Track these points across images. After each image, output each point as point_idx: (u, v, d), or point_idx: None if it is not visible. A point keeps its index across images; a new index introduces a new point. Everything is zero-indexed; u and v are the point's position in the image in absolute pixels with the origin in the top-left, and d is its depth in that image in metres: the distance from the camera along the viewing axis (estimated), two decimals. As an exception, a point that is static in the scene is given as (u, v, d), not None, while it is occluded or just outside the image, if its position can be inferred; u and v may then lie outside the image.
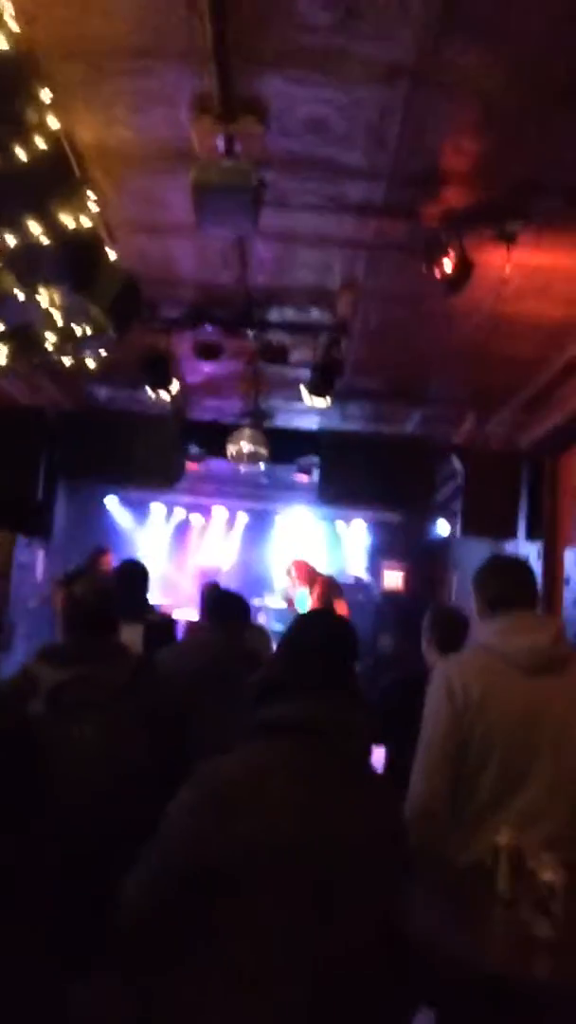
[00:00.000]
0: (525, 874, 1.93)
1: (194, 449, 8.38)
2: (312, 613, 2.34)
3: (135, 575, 4.82)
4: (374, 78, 3.48)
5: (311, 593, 8.09)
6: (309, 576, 8.06)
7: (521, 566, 2.89)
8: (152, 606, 5.09)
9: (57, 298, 4.14)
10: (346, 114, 3.75)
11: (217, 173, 3.71)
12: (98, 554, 8.49)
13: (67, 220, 3.61)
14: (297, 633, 2.13)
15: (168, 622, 5.09)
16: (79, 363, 5.11)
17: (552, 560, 7.18)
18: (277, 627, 9.83)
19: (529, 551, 7.70)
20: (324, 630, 2.11)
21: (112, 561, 8.71)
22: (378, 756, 4.22)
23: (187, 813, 1.81)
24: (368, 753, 2.11)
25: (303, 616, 2.30)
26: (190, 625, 4.22)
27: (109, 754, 2.52)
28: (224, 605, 4.08)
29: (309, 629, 2.14)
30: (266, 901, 1.70)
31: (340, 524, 11.33)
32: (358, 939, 1.76)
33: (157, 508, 11.02)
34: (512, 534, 7.88)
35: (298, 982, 1.68)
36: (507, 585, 2.70)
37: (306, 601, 8.08)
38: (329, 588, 7.97)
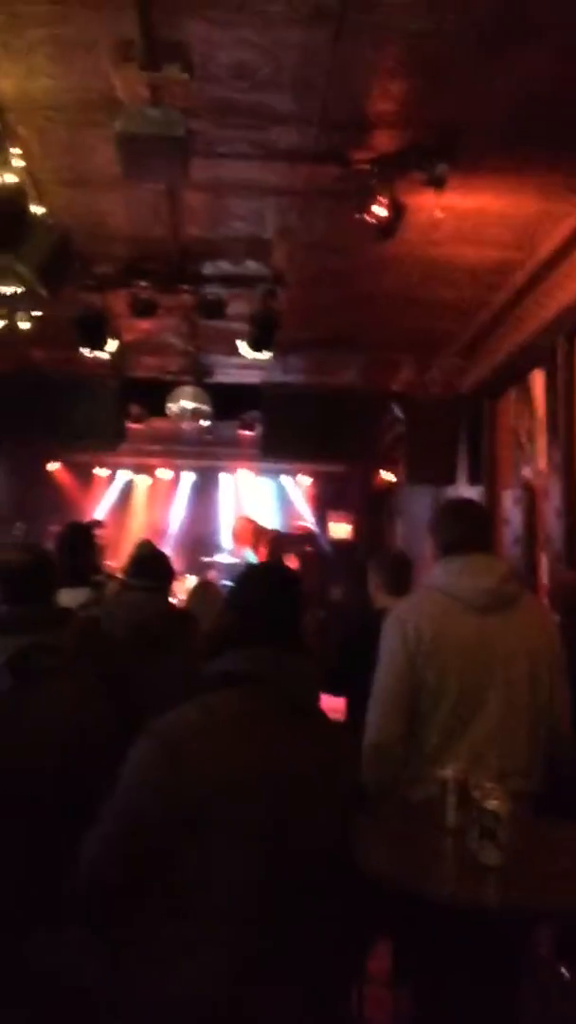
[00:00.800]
0: (472, 805, 2.00)
1: (135, 409, 8.30)
2: (257, 567, 2.38)
3: (77, 538, 4.79)
4: (299, 20, 3.44)
5: (258, 550, 8.16)
6: (255, 534, 8.11)
7: (476, 510, 2.97)
8: (97, 568, 5.08)
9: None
10: (271, 58, 3.70)
11: (143, 123, 3.65)
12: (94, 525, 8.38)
13: (-9, 175, 3.52)
14: (243, 588, 2.17)
15: (116, 582, 5.09)
16: (11, 325, 5.01)
17: (492, 503, 7.33)
18: (228, 584, 9.90)
19: (471, 495, 7.86)
20: (269, 583, 2.14)
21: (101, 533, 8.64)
22: (338, 706, 4.33)
23: (143, 766, 1.85)
24: (315, 698, 2.17)
25: (249, 570, 2.34)
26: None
27: (78, 716, 2.55)
28: (153, 563, 4.09)
29: (255, 583, 2.17)
30: (221, 842, 1.75)
31: (285, 478, 11.37)
32: (313, 876, 1.82)
33: (101, 472, 10.92)
34: (454, 479, 8.01)
35: (255, 922, 1.74)
36: (462, 529, 2.75)
37: (254, 559, 8.15)
38: (276, 544, 8.04)
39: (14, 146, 4.09)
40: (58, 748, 2.40)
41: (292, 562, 8.19)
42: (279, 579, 2.22)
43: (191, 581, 9.54)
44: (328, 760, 1.99)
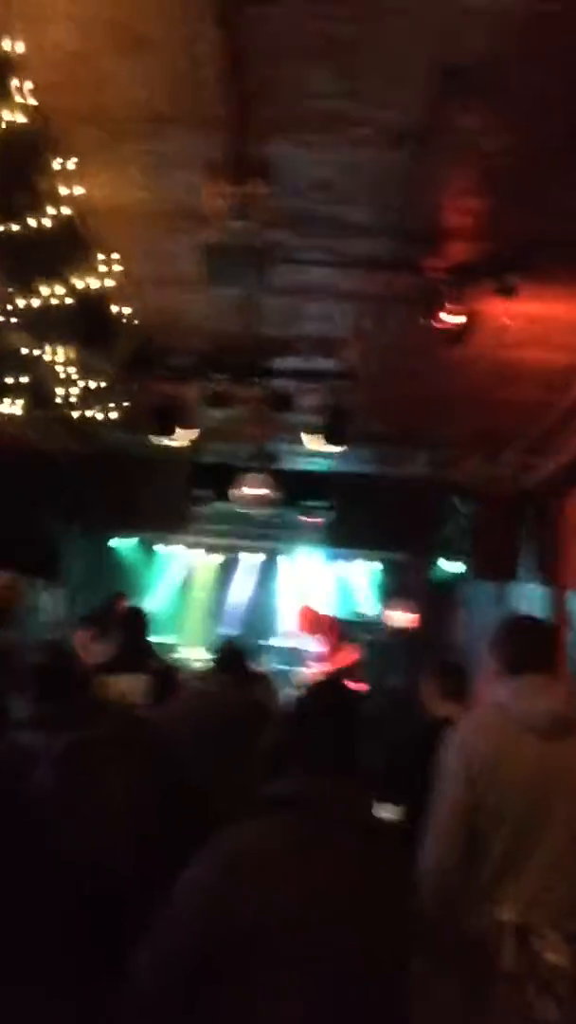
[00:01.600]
0: (531, 952, 1.91)
1: (203, 492, 8.45)
2: (318, 687, 2.38)
3: (137, 623, 4.86)
4: (378, 141, 3.61)
5: (319, 639, 8.13)
6: (316, 621, 8.09)
7: (540, 628, 2.90)
8: (155, 653, 5.12)
9: (68, 354, 4.25)
10: (351, 175, 3.88)
11: (225, 235, 3.84)
12: (115, 599, 8.54)
13: (78, 282, 3.72)
14: (302, 707, 2.17)
15: (170, 670, 5.11)
16: (91, 414, 5.22)
17: (557, 602, 7.20)
18: (282, 668, 9.85)
19: (535, 593, 7.73)
20: (332, 705, 2.14)
21: (125, 606, 8.77)
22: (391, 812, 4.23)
23: (196, 887, 1.83)
24: (375, 826, 2.13)
25: (310, 690, 2.35)
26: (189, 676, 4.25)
27: (126, 814, 2.55)
28: (235, 660, 4.11)
29: (313, 704, 2.17)
30: (266, 975, 1.72)
31: (347, 564, 11.36)
32: (358, 1015, 1.77)
33: (168, 549, 11.08)
34: (518, 576, 7.91)
35: None
36: (524, 648, 2.71)
37: (315, 647, 8.13)
38: (337, 633, 8.00)
39: (105, 251, 4.34)
40: (106, 841, 2.39)
41: (352, 652, 8.11)
42: (342, 701, 2.21)
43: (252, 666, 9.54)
44: (384, 896, 1.94)
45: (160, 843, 2.42)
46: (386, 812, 4.28)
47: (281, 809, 1.94)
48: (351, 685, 7.81)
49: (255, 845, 1.85)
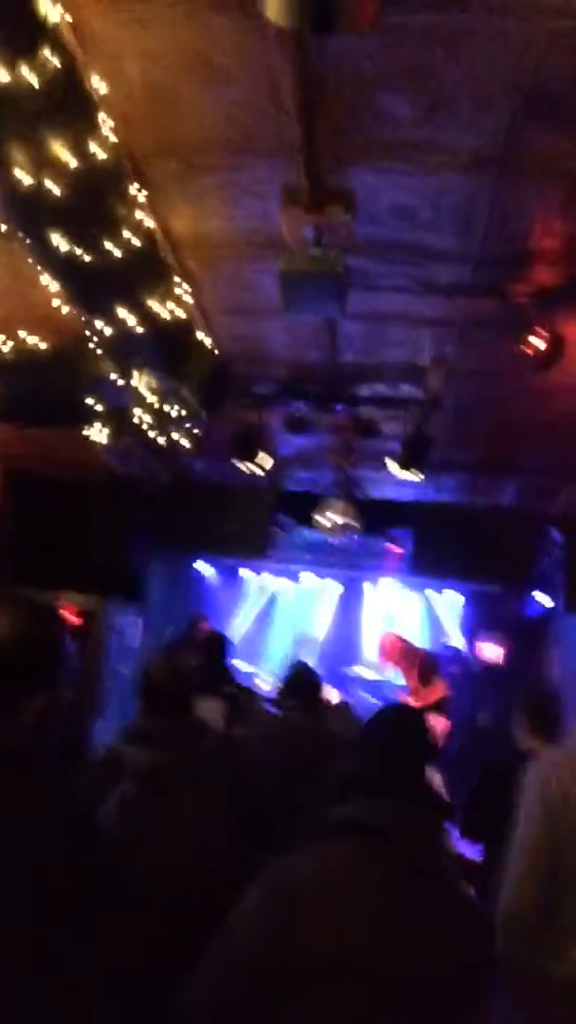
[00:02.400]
0: None
1: (286, 519, 8.42)
2: (386, 711, 2.29)
3: (216, 647, 4.84)
4: (459, 167, 3.52)
5: (404, 669, 7.93)
6: (403, 652, 7.90)
7: None
8: (233, 677, 5.09)
9: (151, 382, 4.27)
10: (432, 201, 3.80)
11: (304, 262, 3.79)
12: (195, 621, 8.58)
13: (159, 310, 3.73)
14: (372, 731, 2.10)
15: (243, 694, 5.07)
16: (174, 441, 5.24)
17: None
18: (367, 698, 9.66)
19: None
20: (400, 729, 2.06)
21: (206, 628, 8.80)
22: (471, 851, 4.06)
23: (254, 914, 1.77)
24: (439, 858, 2.03)
25: (378, 713, 2.26)
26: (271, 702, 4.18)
27: (199, 835, 2.53)
28: (307, 685, 4.04)
29: (385, 727, 2.10)
30: (324, 1006, 1.64)
31: (435, 594, 11.12)
32: None
33: (249, 574, 11.08)
34: (614, 611, 7.57)
35: None
36: None
37: (400, 679, 7.93)
38: (422, 664, 7.79)
39: (184, 280, 4.36)
40: (177, 861, 2.36)
41: (440, 687, 7.88)
42: (407, 724, 2.13)
43: (333, 694, 9.42)
44: (447, 930, 1.83)
45: (226, 870, 2.38)
46: (466, 849, 4.13)
47: (341, 834, 1.86)
48: (434, 721, 7.64)
49: (312, 873, 1.78)
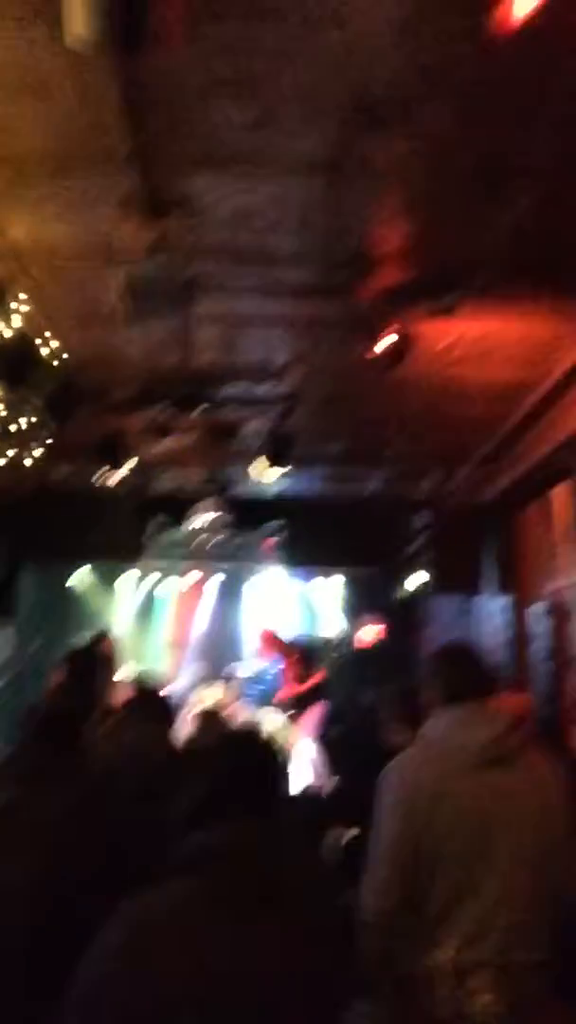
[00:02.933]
0: (467, 993, 1.84)
1: (156, 521, 8.31)
2: (233, 737, 2.27)
3: (84, 666, 4.70)
4: (294, 172, 3.53)
5: (282, 661, 8.01)
6: (278, 645, 7.98)
7: (473, 655, 2.84)
8: (102, 697, 4.95)
9: (-5, 395, 4.11)
10: (272, 204, 3.78)
11: (146, 270, 3.72)
12: (99, 638, 8.33)
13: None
14: (218, 759, 2.07)
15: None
16: (25, 452, 5.07)
17: (519, 616, 7.14)
18: (249, 695, 9.71)
19: (497, 605, 7.68)
20: (244, 755, 2.05)
21: (111, 645, 8.58)
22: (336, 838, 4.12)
23: (106, 954, 1.72)
24: (295, 876, 2.04)
25: (225, 740, 2.24)
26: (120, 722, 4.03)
27: (39, 890, 2.44)
28: (153, 699, 3.93)
29: (230, 755, 2.08)
30: None
31: (313, 582, 11.25)
32: None
33: (125, 577, 10.88)
34: (481, 589, 7.85)
35: None
36: (459, 677, 2.64)
37: (279, 672, 8.01)
38: (299, 655, 7.89)
39: (23, 290, 4.20)
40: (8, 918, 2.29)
41: (318, 676, 8.00)
42: (255, 751, 2.12)
43: (214, 689, 9.40)
44: (301, 957, 1.83)
45: (71, 912, 2.31)
46: (334, 839, 4.19)
47: (192, 865, 1.83)
48: (316, 707, 7.75)
49: (163, 908, 1.75)
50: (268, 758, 2.07)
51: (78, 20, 2.24)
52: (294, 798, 5.68)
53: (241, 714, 8.64)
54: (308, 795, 5.69)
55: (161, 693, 4.06)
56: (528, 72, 2.94)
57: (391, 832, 2.40)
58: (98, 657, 7.18)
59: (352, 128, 3.21)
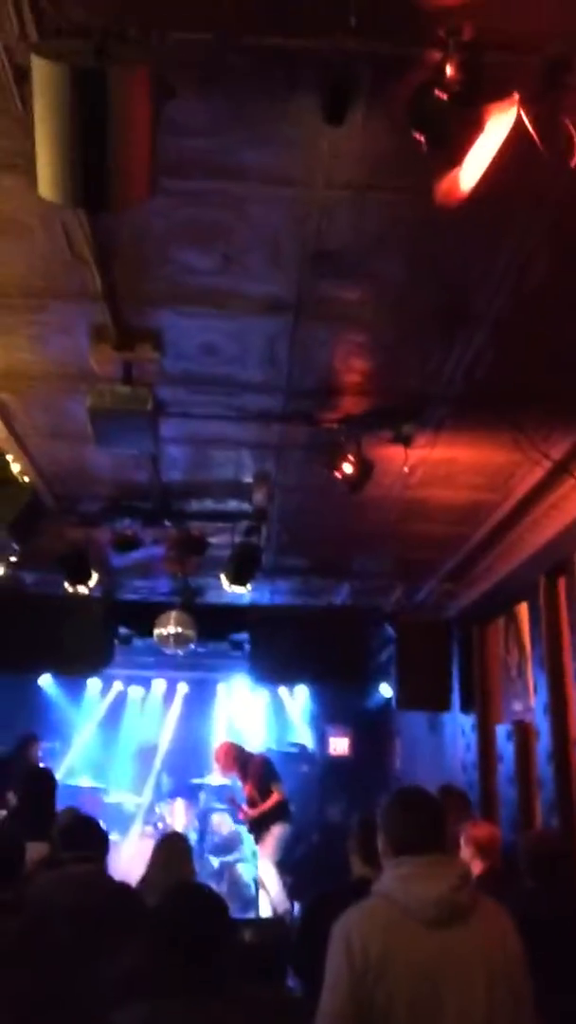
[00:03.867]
0: None
1: (123, 630, 8.28)
2: (176, 894, 2.23)
3: (40, 786, 4.62)
4: (258, 311, 3.69)
5: (242, 780, 7.85)
6: (238, 759, 7.84)
7: (427, 803, 2.78)
8: (57, 816, 4.82)
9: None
10: (237, 340, 3.94)
11: (112, 399, 3.83)
12: (26, 742, 8.19)
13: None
14: (159, 920, 2.04)
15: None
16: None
17: (485, 735, 7.09)
18: (216, 806, 9.47)
19: (464, 723, 7.62)
20: (184, 919, 2.02)
21: (39, 749, 8.42)
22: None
23: None
24: None
25: (168, 898, 2.20)
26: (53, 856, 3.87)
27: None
28: (85, 831, 3.81)
29: (169, 918, 2.05)
30: None
31: (282, 691, 11.13)
32: None
33: (93, 683, 10.74)
34: (446, 706, 7.80)
35: None
36: (410, 827, 2.59)
37: (238, 787, 7.84)
38: (260, 774, 7.74)
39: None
40: None
41: (278, 793, 7.82)
42: (197, 911, 2.09)
43: (179, 806, 9.16)
44: None
45: None
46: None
47: None
48: (276, 829, 7.55)
49: None
50: (211, 929, 2.04)
51: (45, 182, 2.39)
52: (255, 931, 5.48)
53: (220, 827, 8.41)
54: (264, 929, 5.47)
55: (97, 823, 3.93)
56: (477, 231, 3.12)
57: (339, 991, 2.32)
58: (28, 763, 7.05)
59: (310, 275, 3.39)
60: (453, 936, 2.36)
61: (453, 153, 2.48)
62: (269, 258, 3.33)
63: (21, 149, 2.69)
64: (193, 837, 8.60)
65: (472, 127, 2.39)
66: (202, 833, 9.20)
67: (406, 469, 4.76)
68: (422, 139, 2.36)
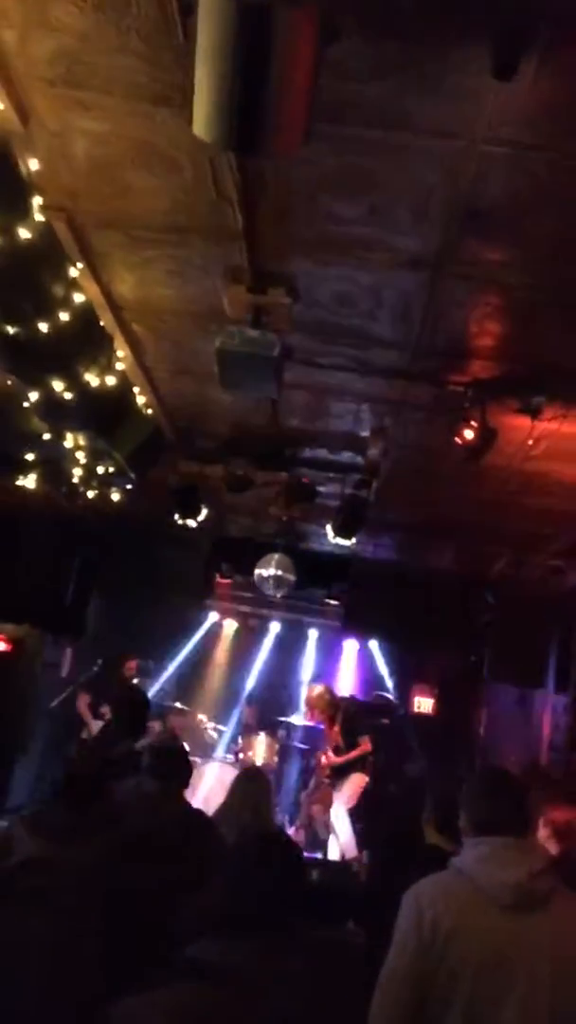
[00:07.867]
0: None
1: (225, 566, 8.42)
2: (263, 839, 2.27)
3: (133, 707, 4.76)
4: (398, 265, 3.59)
5: (328, 727, 7.93)
6: (330, 704, 7.90)
7: (511, 784, 2.74)
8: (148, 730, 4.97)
9: (82, 440, 4.26)
10: (372, 293, 3.86)
11: (241, 341, 3.82)
12: (121, 659, 8.50)
13: (94, 380, 3.72)
14: (236, 864, 2.09)
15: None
16: (104, 495, 5.22)
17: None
18: (300, 747, 9.66)
19: (557, 702, 7.48)
20: (263, 865, 2.06)
21: (134, 667, 8.71)
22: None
23: None
24: (293, 996, 2.01)
25: (249, 846, 2.24)
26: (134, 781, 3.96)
27: (49, 953, 2.47)
28: (170, 759, 3.89)
29: (248, 862, 2.08)
30: None
31: (372, 643, 11.17)
32: None
33: (190, 615, 11.01)
34: (540, 682, 7.66)
35: None
36: (493, 807, 2.55)
37: (325, 733, 7.93)
38: (348, 723, 7.78)
39: (126, 341, 4.36)
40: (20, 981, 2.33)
41: (364, 742, 7.89)
42: (279, 862, 2.12)
43: (261, 740, 9.38)
44: None
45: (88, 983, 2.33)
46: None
47: (188, 978, 1.84)
48: (356, 779, 7.64)
49: (159, 1019, 1.76)
50: (293, 870, 2.06)
51: (200, 121, 2.36)
52: (323, 873, 5.60)
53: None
54: (332, 874, 5.57)
55: (186, 753, 4.04)
56: None
57: (405, 958, 2.33)
58: (122, 679, 7.28)
59: (457, 232, 3.26)
60: (526, 923, 2.33)
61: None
62: (417, 212, 3.22)
63: (180, 84, 2.67)
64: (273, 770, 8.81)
65: None
66: (281, 769, 9.41)
67: (531, 442, 4.59)
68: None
